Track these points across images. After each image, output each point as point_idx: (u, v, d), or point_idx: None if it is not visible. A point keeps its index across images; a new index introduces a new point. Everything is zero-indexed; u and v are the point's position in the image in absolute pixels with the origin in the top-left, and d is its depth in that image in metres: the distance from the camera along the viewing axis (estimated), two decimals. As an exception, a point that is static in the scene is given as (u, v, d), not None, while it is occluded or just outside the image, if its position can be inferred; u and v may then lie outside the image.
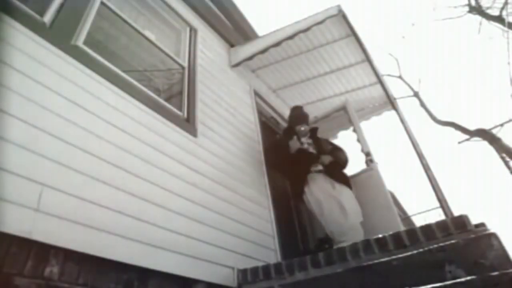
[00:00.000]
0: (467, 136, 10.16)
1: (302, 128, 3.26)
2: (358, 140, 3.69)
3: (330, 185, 2.98)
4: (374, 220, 3.00)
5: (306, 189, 3.01)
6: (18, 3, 1.64)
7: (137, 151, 1.85)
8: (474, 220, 1.53)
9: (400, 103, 4.78)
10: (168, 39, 3.15)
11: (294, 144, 3.21)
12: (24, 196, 1.22)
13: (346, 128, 4.40)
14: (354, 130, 3.85)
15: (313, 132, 3.37)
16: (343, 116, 4.11)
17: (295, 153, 3.17)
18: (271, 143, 3.47)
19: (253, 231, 2.45)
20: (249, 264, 2.07)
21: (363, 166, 3.54)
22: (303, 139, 3.28)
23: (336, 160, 3.11)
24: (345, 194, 2.91)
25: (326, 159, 3.08)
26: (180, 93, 2.68)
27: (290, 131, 3.35)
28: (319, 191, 2.95)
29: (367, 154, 3.51)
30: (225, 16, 4.31)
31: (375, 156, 3.52)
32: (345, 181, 3.05)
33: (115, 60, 2.23)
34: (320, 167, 3.07)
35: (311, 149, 3.21)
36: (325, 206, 2.85)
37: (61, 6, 1.89)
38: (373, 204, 3.17)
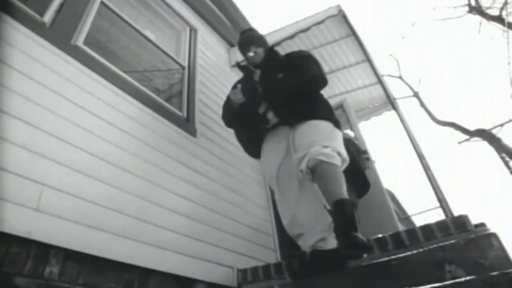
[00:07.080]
0: (467, 136, 10.15)
1: (251, 54, 2.05)
2: (356, 139, 3.70)
3: (285, 142, 1.83)
4: (371, 218, 2.99)
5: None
6: (18, 3, 1.64)
7: (137, 151, 1.85)
8: (474, 220, 1.53)
9: (400, 103, 4.80)
10: (168, 39, 3.15)
11: (235, 95, 1.97)
12: (24, 196, 1.22)
13: (344, 128, 4.40)
14: (351, 129, 3.85)
15: (271, 56, 2.09)
16: (341, 116, 4.10)
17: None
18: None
19: (253, 231, 2.45)
20: (249, 264, 2.07)
21: (361, 165, 3.53)
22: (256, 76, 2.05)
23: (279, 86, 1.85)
24: (298, 134, 1.73)
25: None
26: (180, 93, 2.68)
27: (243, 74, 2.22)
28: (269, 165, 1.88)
29: (364, 152, 3.51)
30: (225, 16, 4.30)
31: (374, 156, 3.53)
32: (303, 115, 1.78)
33: (115, 60, 2.24)
34: (271, 120, 1.88)
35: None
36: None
37: (61, 6, 1.90)
38: (370, 203, 3.16)
